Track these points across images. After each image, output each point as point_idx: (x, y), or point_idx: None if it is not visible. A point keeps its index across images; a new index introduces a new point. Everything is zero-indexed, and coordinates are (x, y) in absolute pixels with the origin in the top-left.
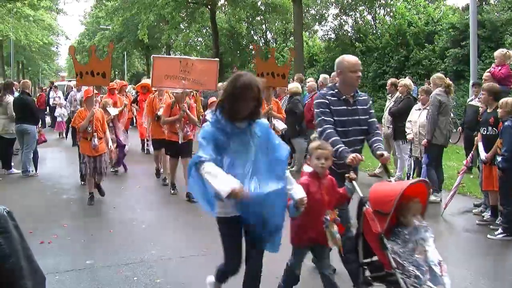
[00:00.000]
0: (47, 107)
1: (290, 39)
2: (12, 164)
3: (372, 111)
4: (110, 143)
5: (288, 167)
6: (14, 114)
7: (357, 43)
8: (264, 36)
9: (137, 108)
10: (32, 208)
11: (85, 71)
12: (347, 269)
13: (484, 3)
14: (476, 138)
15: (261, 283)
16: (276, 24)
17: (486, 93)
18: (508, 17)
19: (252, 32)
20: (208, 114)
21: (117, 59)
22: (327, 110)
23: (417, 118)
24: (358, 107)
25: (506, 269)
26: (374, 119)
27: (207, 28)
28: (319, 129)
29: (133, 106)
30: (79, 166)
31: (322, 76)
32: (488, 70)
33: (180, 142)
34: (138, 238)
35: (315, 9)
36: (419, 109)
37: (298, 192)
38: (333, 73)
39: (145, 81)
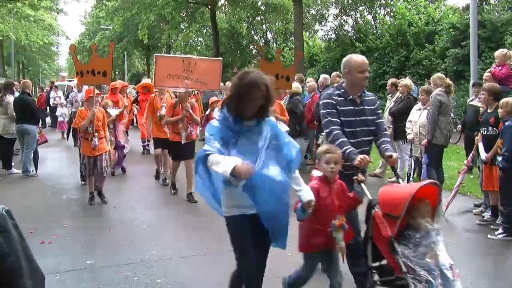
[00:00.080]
0: (48, 107)
1: (291, 39)
2: (13, 164)
3: (380, 111)
4: (108, 144)
5: None
6: (14, 114)
7: (357, 43)
8: (265, 36)
9: (137, 108)
10: (32, 208)
11: (85, 70)
12: (352, 273)
13: (484, 3)
14: (476, 138)
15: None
16: (277, 24)
17: (486, 93)
18: (508, 17)
19: (252, 32)
20: (216, 112)
21: (117, 59)
22: (334, 110)
23: (418, 118)
24: (365, 107)
25: (507, 269)
26: (382, 120)
27: (207, 28)
28: (326, 131)
29: (134, 106)
30: (80, 166)
31: (322, 76)
32: (488, 70)
33: (182, 142)
34: (138, 238)
35: (316, 9)
36: (420, 109)
37: (306, 194)
38: (333, 73)
39: (146, 81)
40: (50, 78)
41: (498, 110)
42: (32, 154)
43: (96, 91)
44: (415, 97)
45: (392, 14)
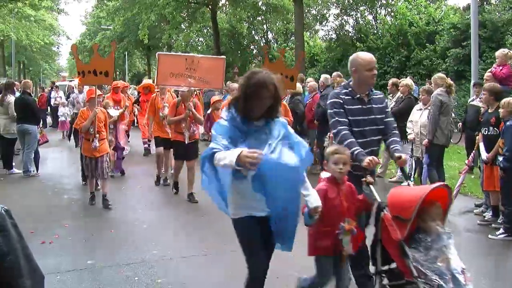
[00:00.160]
0: (48, 107)
1: (291, 39)
2: (13, 164)
3: (389, 110)
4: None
5: None
6: (15, 114)
7: (358, 43)
8: (265, 36)
9: (138, 108)
10: (33, 208)
11: (87, 70)
12: (354, 275)
13: (485, 3)
14: (477, 138)
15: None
16: (277, 24)
17: (487, 93)
18: (509, 17)
19: (253, 32)
20: (223, 112)
21: (118, 59)
22: (341, 110)
23: (418, 118)
24: (373, 106)
25: (508, 269)
26: (391, 118)
27: (208, 28)
28: (334, 131)
29: (135, 107)
30: (81, 166)
31: (323, 76)
32: (489, 70)
33: (186, 142)
34: (139, 238)
35: (316, 9)
36: (420, 109)
37: (313, 200)
38: (334, 73)
39: (147, 81)
40: (51, 78)
41: (500, 110)
42: (33, 154)
43: (98, 92)
44: (416, 97)
45: (392, 14)
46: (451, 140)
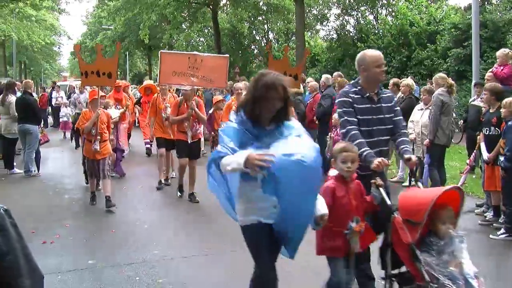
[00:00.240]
0: (50, 107)
1: (292, 39)
2: (15, 164)
3: (398, 108)
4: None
5: None
6: (16, 114)
7: (359, 43)
8: (266, 36)
9: (139, 109)
10: (34, 208)
11: (90, 71)
12: (355, 274)
13: (486, 3)
14: (478, 138)
15: None
16: (278, 24)
17: (488, 93)
18: (510, 17)
19: (254, 32)
20: (232, 115)
21: (119, 59)
22: (351, 109)
23: (419, 118)
24: (383, 105)
25: (509, 269)
26: (400, 117)
27: (209, 28)
28: (343, 130)
29: (136, 107)
30: (83, 167)
31: (324, 76)
32: (490, 70)
33: (189, 142)
34: (140, 238)
35: (317, 9)
36: (421, 109)
37: (320, 207)
38: (334, 73)
39: (148, 82)
40: (52, 78)
41: (501, 110)
42: (34, 154)
43: (101, 93)
44: (417, 97)
45: (393, 14)
46: (452, 140)
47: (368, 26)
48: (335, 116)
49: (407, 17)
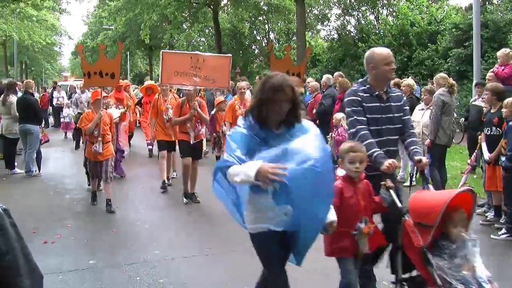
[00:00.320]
0: (50, 107)
1: (293, 39)
2: (16, 164)
3: (407, 108)
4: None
5: None
6: (17, 114)
7: (359, 43)
8: (267, 36)
9: (141, 110)
10: (35, 208)
11: (93, 71)
12: (359, 282)
13: (487, 3)
14: (479, 138)
15: None
16: (279, 24)
17: (489, 93)
18: (511, 17)
19: (254, 32)
20: (240, 120)
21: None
22: (360, 108)
23: (420, 118)
24: (392, 104)
25: (510, 270)
26: (409, 117)
27: (210, 28)
28: (352, 130)
29: (137, 108)
30: (85, 168)
31: (325, 76)
32: (491, 70)
33: (191, 142)
34: (141, 238)
35: (318, 9)
36: (422, 109)
37: (329, 214)
38: (335, 73)
39: (149, 82)
40: (52, 78)
41: (502, 110)
42: (35, 154)
43: (104, 94)
44: (417, 97)
45: (394, 14)
46: (453, 140)
47: (369, 26)
48: (336, 116)
49: (408, 17)
